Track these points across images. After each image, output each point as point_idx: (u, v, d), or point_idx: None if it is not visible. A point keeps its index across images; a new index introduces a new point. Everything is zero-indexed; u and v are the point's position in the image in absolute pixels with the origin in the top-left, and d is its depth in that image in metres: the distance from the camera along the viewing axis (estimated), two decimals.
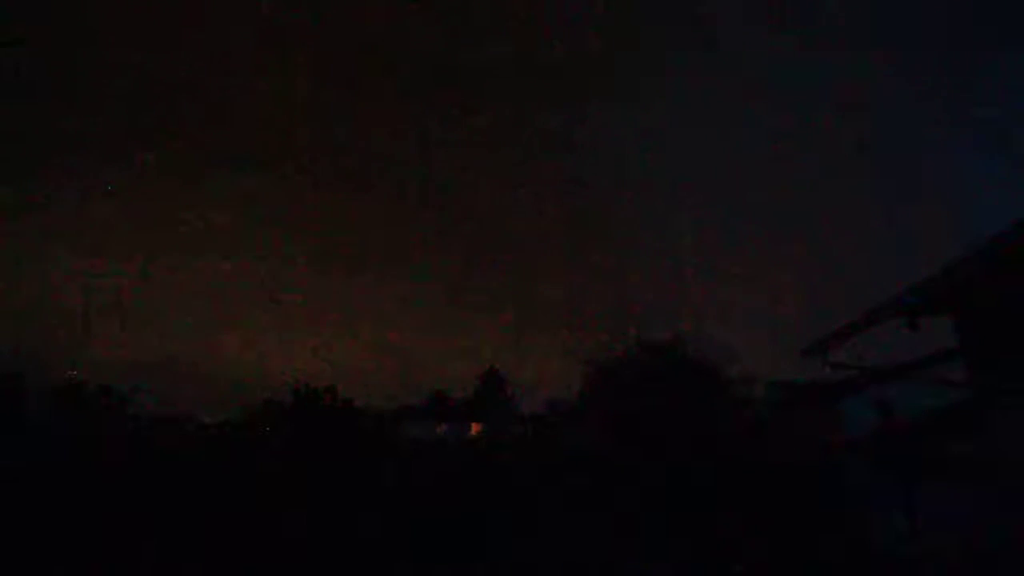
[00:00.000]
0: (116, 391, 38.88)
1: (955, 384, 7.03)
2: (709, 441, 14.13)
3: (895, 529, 10.80)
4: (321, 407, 20.95)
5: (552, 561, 10.91)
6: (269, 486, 14.36)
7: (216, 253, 54.11)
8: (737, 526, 11.52)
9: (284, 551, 11.10)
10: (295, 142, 57.22)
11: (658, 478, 13.32)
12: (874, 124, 50.46)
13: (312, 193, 55.90)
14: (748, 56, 48.52)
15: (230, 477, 15.25)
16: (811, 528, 11.59)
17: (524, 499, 14.02)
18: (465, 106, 53.30)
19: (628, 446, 15.10)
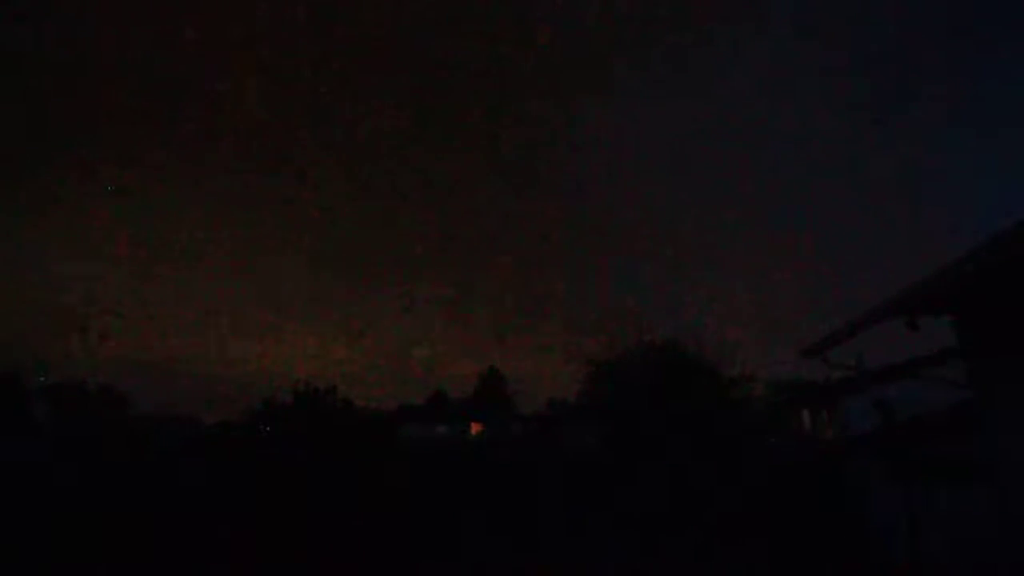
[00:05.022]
0: (116, 391, 38.85)
1: (955, 384, 7.03)
2: (709, 441, 14.12)
3: (894, 529, 10.80)
4: (322, 407, 20.97)
5: (551, 560, 10.91)
6: (269, 486, 14.37)
7: (216, 253, 54.07)
8: (737, 526, 11.51)
9: (284, 549, 11.10)
10: (295, 143, 57.15)
11: (658, 478, 13.31)
12: (874, 125, 50.43)
13: (312, 193, 55.84)
14: (748, 56, 48.49)
15: (230, 476, 15.26)
16: (811, 528, 11.59)
17: (524, 499, 14.02)
18: (465, 107, 53.23)
19: (628, 446, 15.09)
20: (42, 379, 35.44)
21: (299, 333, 57.81)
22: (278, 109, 52.83)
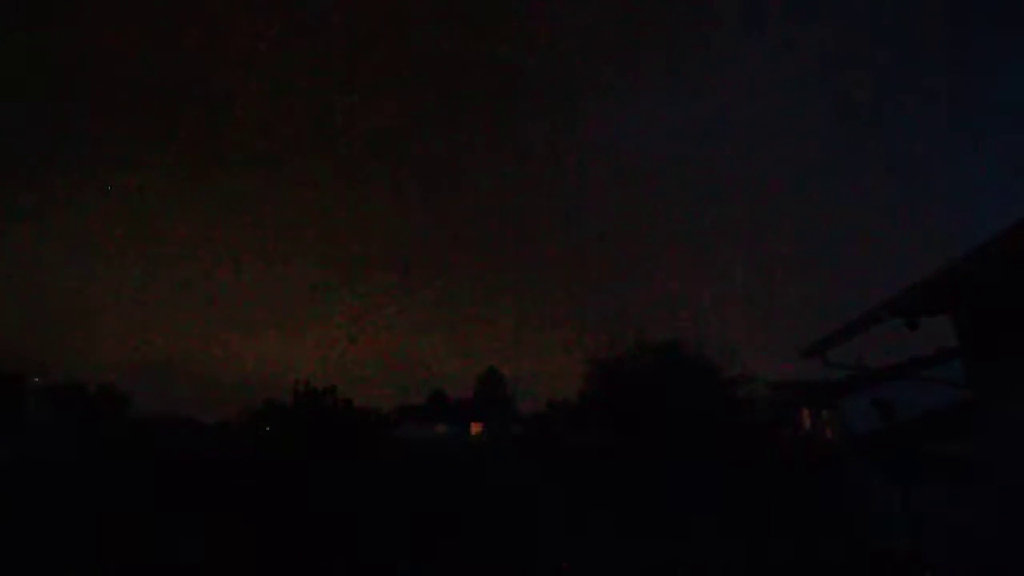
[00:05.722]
0: (116, 391, 38.83)
1: (955, 384, 7.03)
2: (710, 441, 14.13)
3: (894, 528, 10.81)
4: (321, 407, 20.95)
5: (550, 562, 10.92)
6: (268, 487, 14.37)
7: (216, 253, 54.13)
8: (738, 525, 11.52)
9: (284, 550, 11.11)
10: (295, 143, 57.21)
11: (659, 478, 13.32)
12: (874, 124, 50.48)
13: (312, 194, 55.92)
14: (748, 57, 48.54)
15: (229, 477, 15.26)
16: (811, 527, 11.59)
17: (524, 499, 14.03)
18: (465, 107, 53.30)
19: (629, 446, 15.10)
20: (36, 380, 35.30)
21: (299, 333, 57.79)
22: (278, 109, 52.82)
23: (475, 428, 46.18)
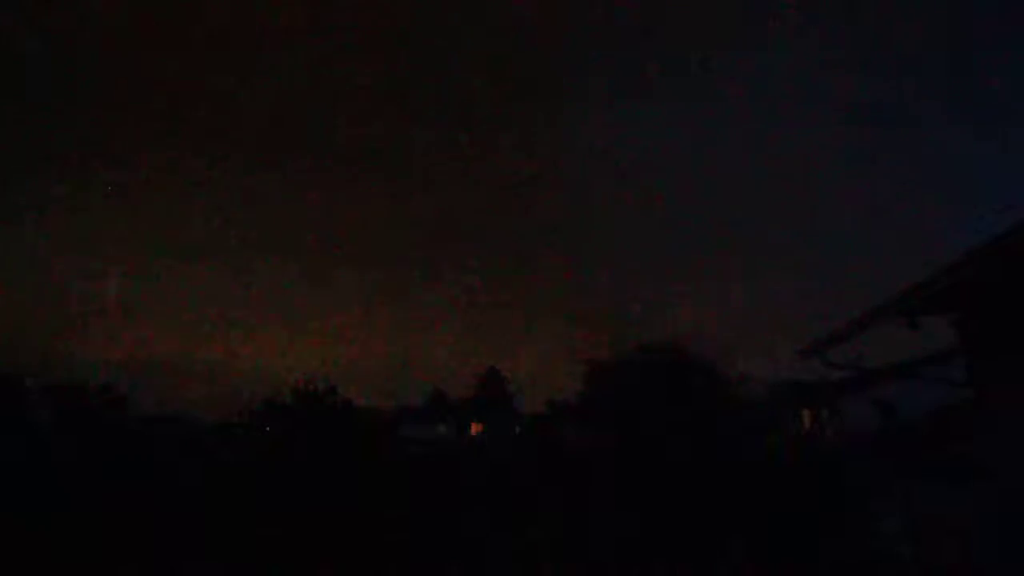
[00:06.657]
0: (116, 391, 38.74)
1: (955, 384, 7.02)
2: (709, 441, 14.12)
3: (895, 529, 10.80)
4: (321, 407, 20.96)
5: (551, 560, 10.90)
6: (269, 486, 14.37)
7: (216, 253, 54.11)
8: (737, 527, 11.50)
9: (284, 549, 11.10)
10: (296, 143, 57.16)
11: (658, 479, 13.31)
12: (874, 125, 50.46)
13: (313, 194, 55.88)
14: (747, 57, 48.55)
15: (230, 477, 15.25)
16: (811, 529, 11.58)
17: (524, 499, 14.02)
18: (465, 107, 53.30)
19: (629, 446, 15.09)
20: (29, 380, 35.26)
21: (299, 333, 57.84)
22: (278, 108, 52.88)
23: (475, 428, 46.12)
